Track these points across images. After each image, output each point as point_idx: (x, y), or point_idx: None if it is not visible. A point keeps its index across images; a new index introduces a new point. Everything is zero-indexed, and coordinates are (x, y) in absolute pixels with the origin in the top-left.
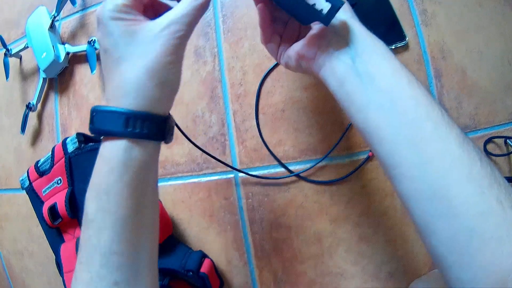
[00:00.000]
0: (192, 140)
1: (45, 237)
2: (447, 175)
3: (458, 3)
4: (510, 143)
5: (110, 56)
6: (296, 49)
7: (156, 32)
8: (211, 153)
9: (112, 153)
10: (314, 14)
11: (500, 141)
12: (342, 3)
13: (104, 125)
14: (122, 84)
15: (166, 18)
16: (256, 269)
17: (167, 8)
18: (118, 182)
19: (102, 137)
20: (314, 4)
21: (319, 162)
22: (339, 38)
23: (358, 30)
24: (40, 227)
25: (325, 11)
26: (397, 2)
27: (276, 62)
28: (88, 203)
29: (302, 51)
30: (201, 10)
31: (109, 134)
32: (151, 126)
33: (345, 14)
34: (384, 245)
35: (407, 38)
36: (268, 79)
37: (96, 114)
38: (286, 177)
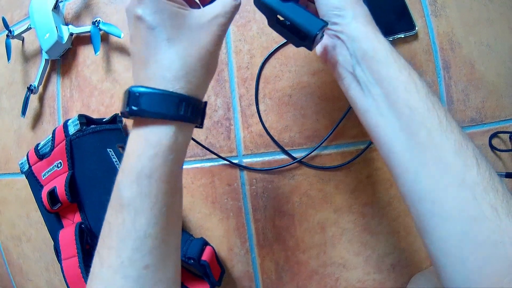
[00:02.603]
0: None
1: (43, 222)
2: (439, 181)
3: None
4: None
5: (158, 34)
6: (317, 51)
7: (206, 21)
8: (215, 137)
9: (159, 137)
10: (299, 41)
11: (506, 136)
12: (317, 32)
13: (155, 107)
14: (173, 67)
15: (213, 10)
16: (258, 258)
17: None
18: (162, 166)
19: (136, 120)
20: (300, 31)
21: (317, 147)
22: (342, 45)
23: (359, 35)
24: (38, 212)
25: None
26: None
27: (277, 46)
28: (124, 188)
29: (318, 53)
30: (238, 8)
31: (160, 117)
32: (197, 111)
33: (346, 16)
34: (388, 236)
35: (416, 28)
36: (276, 64)
37: (144, 95)
38: (287, 165)
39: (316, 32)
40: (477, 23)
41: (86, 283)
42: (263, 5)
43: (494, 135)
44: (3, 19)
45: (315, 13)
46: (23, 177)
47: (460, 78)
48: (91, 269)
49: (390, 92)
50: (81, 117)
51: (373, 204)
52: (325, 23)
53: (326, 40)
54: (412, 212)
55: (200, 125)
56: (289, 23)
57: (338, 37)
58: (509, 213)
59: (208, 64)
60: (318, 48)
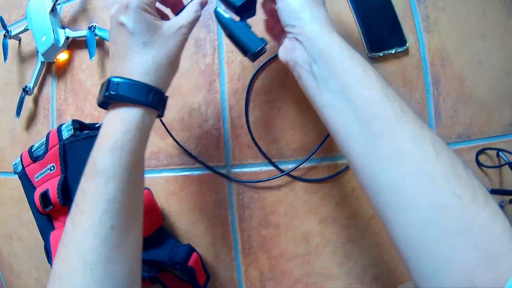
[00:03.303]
0: (187, 132)
1: (35, 223)
2: (395, 169)
3: (461, 11)
4: (502, 155)
5: (137, 39)
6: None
7: (173, 31)
8: (205, 146)
9: (130, 116)
10: (244, 54)
11: (493, 152)
12: (255, 50)
13: (129, 93)
14: (146, 64)
15: (178, 22)
16: (243, 265)
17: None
18: (131, 140)
19: (112, 104)
20: (243, 47)
21: (304, 161)
22: (301, 47)
23: (315, 35)
24: (30, 213)
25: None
26: (400, 6)
27: (269, 58)
28: (100, 158)
29: (280, 55)
30: (198, 19)
31: (133, 102)
32: (160, 101)
33: (304, 18)
34: (370, 248)
35: (407, 44)
36: (266, 76)
37: (121, 84)
38: (273, 178)
39: (254, 51)
40: (469, 39)
41: None
42: (218, 20)
43: (481, 151)
44: (1, 19)
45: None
46: (17, 177)
47: (449, 94)
48: (62, 236)
49: (345, 86)
50: (75, 122)
51: (357, 217)
52: (264, 43)
53: (286, 43)
54: (373, 204)
55: (161, 115)
56: (235, 39)
57: (297, 39)
58: (475, 201)
59: (173, 63)
60: (280, 51)
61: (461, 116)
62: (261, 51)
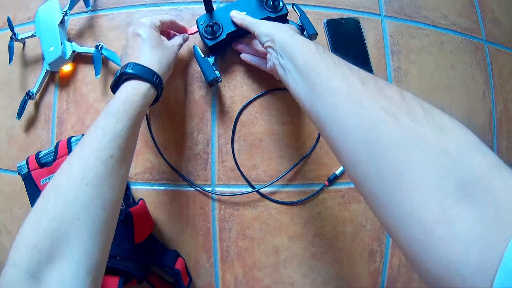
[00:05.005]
0: (178, 152)
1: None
2: (330, 105)
3: (431, 63)
4: None
5: (148, 43)
6: (266, 65)
7: (170, 45)
8: (194, 166)
9: (140, 86)
10: (205, 79)
11: None
12: (209, 80)
13: (141, 73)
14: (153, 60)
15: (172, 41)
16: (220, 271)
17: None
18: (138, 101)
19: (126, 80)
20: (204, 75)
21: (276, 181)
22: (273, 51)
23: (278, 39)
24: (22, 209)
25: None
26: (375, 58)
27: (256, 96)
28: (113, 105)
29: (267, 67)
30: (182, 45)
31: (142, 79)
32: (161, 84)
33: (273, 35)
34: (332, 263)
35: None
36: (252, 111)
37: (136, 66)
38: (246, 193)
39: (207, 80)
40: (435, 89)
41: None
42: (194, 53)
43: None
44: (8, 20)
45: None
46: (11, 174)
47: None
48: (69, 156)
49: (294, 60)
50: None
51: (322, 236)
52: (216, 76)
53: (267, 55)
54: (325, 139)
55: (158, 98)
56: (200, 68)
57: (270, 46)
58: (410, 115)
59: (170, 65)
60: (267, 64)
61: None
62: (213, 81)
